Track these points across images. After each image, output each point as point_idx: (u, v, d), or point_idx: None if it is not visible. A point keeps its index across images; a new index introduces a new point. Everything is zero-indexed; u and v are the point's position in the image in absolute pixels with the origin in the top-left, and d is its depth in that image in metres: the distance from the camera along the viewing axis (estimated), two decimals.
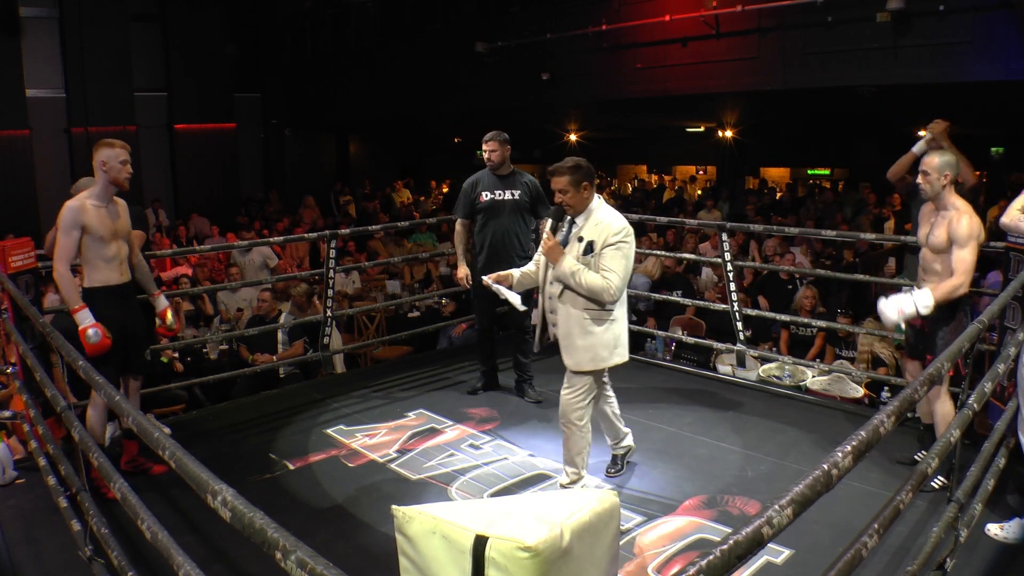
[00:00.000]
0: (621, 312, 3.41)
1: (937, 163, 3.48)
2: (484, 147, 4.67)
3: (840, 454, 1.58)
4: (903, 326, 3.64)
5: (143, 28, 13.57)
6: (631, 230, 3.31)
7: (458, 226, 4.80)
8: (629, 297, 6.93)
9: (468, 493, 3.63)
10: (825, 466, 1.53)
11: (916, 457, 3.79)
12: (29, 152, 12.26)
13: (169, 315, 3.99)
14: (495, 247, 4.66)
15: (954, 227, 3.43)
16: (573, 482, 3.52)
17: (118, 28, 12.99)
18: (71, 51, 12.59)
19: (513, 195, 4.65)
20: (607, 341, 3.35)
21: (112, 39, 12.87)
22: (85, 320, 3.44)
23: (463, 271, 4.78)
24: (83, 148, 11.69)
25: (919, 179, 3.57)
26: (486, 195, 4.67)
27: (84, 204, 3.47)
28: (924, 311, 3.35)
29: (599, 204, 3.36)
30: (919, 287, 3.60)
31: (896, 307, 3.38)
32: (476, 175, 4.78)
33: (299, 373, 6.02)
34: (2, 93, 11.83)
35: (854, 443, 1.63)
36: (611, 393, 3.71)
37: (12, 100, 11.96)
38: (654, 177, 19.52)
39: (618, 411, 3.77)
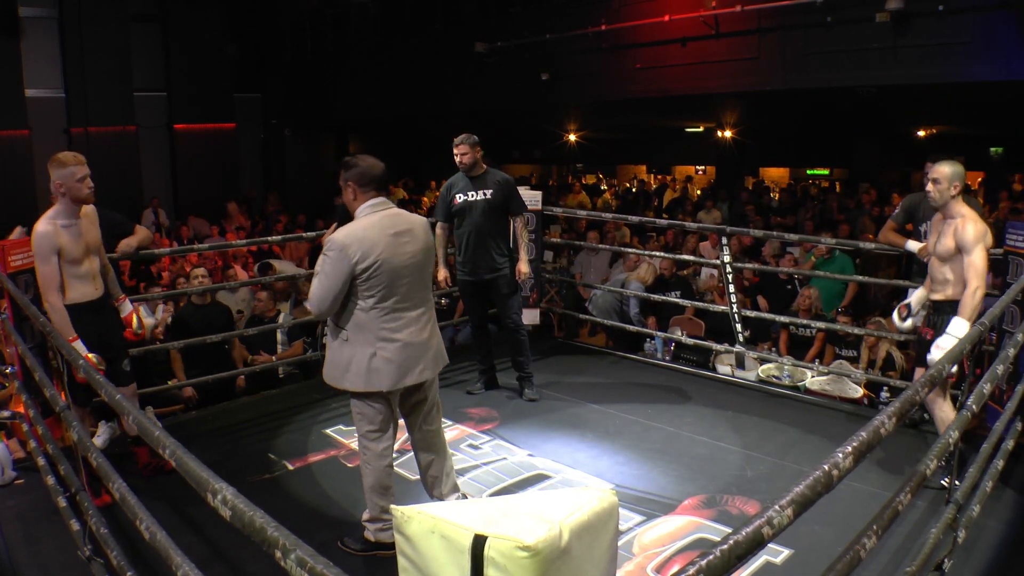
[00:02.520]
0: (360, 337, 2.94)
1: (948, 172, 3.53)
2: (455, 150, 4.68)
3: (841, 455, 1.58)
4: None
5: (143, 28, 13.56)
6: (345, 246, 2.84)
7: (438, 229, 4.83)
8: (621, 302, 7.03)
9: (468, 493, 3.62)
10: (825, 467, 1.54)
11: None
12: (29, 152, 12.24)
13: (135, 319, 3.96)
14: (470, 247, 4.73)
15: (960, 234, 3.48)
16: (370, 520, 3.10)
17: (118, 28, 12.99)
18: (71, 51, 12.59)
19: (485, 195, 4.68)
20: (339, 361, 2.99)
21: (112, 39, 12.87)
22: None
23: (443, 273, 4.89)
24: (83, 148, 11.60)
25: (929, 186, 3.61)
26: (460, 197, 4.72)
27: (56, 228, 3.44)
28: (963, 333, 3.26)
29: (363, 212, 2.98)
30: (929, 291, 3.73)
31: (942, 349, 3.32)
32: (452, 178, 4.82)
33: (299, 373, 6.02)
34: (2, 93, 11.83)
35: (855, 444, 1.63)
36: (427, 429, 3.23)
37: (12, 100, 11.96)
38: (656, 177, 19.53)
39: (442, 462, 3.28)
